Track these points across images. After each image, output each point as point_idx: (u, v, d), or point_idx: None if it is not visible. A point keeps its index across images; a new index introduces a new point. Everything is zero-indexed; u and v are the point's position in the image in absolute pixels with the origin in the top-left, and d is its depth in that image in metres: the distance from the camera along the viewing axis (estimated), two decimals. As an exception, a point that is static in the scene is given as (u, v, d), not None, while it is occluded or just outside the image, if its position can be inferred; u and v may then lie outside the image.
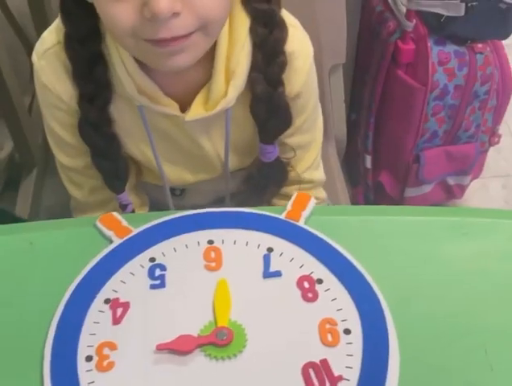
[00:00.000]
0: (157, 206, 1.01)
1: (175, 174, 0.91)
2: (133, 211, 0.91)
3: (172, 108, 0.79)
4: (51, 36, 0.79)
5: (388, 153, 1.53)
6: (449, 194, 1.58)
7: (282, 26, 0.79)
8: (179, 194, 1.00)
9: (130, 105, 0.80)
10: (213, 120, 0.83)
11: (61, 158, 0.89)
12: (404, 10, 1.32)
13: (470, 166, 1.51)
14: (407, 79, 1.36)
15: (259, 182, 0.95)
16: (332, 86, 1.27)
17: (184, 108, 0.80)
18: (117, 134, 0.84)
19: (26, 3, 1.59)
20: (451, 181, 1.54)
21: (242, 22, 0.77)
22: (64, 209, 1.01)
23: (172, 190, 0.98)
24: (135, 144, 0.87)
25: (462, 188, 1.57)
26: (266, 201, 0.99)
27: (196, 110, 0.80)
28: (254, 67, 0.79)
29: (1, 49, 1.53)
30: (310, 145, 0.94)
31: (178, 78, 0.78)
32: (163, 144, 0.86)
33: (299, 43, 0.82)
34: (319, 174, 1.00)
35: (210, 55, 0.76)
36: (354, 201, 1.65)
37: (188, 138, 0.85)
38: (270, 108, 0.82)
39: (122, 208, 0.89)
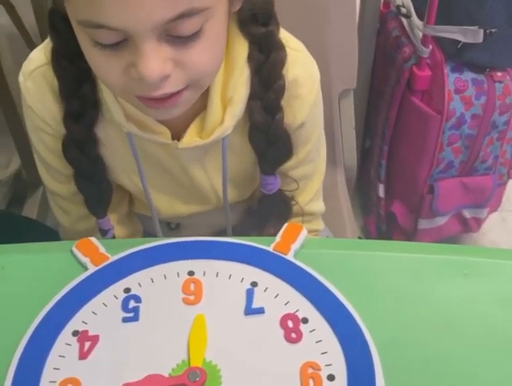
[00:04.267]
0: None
1: (165, 203, 0.87)
2: (113, 237, 0.87)
3: (164, 135, 0.75)
4: (39, 56, 0.76)
5: (401, 183, 1.48)
6: (465, 227, 1.52)
7: (279, 49, 0.73)
8: (175, 227, 0.96)
9: (119, 130, 0.76)
10: (208, 149, 0.78)
11: (49, 183, 0.86)
12: (420, 35, 1.27)
13: (487, 199, 1.45)
14: (422, 106, 1.32)
15: (260, 216, 0.90)
16: (342, 112, 1.23)
17: (177, 134, 0.76)
18: (102, 156, 0.80)
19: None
20: (467, 214, 1.48)
21: (240, 47, 0.72)
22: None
23: (168, 223, 0.94)
24: (123, 170, 0.83)
25: (478, 221, 1.51)
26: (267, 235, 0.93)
27: (190, 138, 0.75)
28: (253, 95, 0.74)
29: (12, 66, 1.52)
30: (313, 175, 0.89)
31: None
32: (152, 171, 0.82)
33: (303, 68, 0.77)
34: (320, 206, 0.95)
35: None
36: (365, 230, 1.61)
37: (180, 167, 0.81)
38: (268, 137, 0.77)
39: (102, 234, 0.85)
